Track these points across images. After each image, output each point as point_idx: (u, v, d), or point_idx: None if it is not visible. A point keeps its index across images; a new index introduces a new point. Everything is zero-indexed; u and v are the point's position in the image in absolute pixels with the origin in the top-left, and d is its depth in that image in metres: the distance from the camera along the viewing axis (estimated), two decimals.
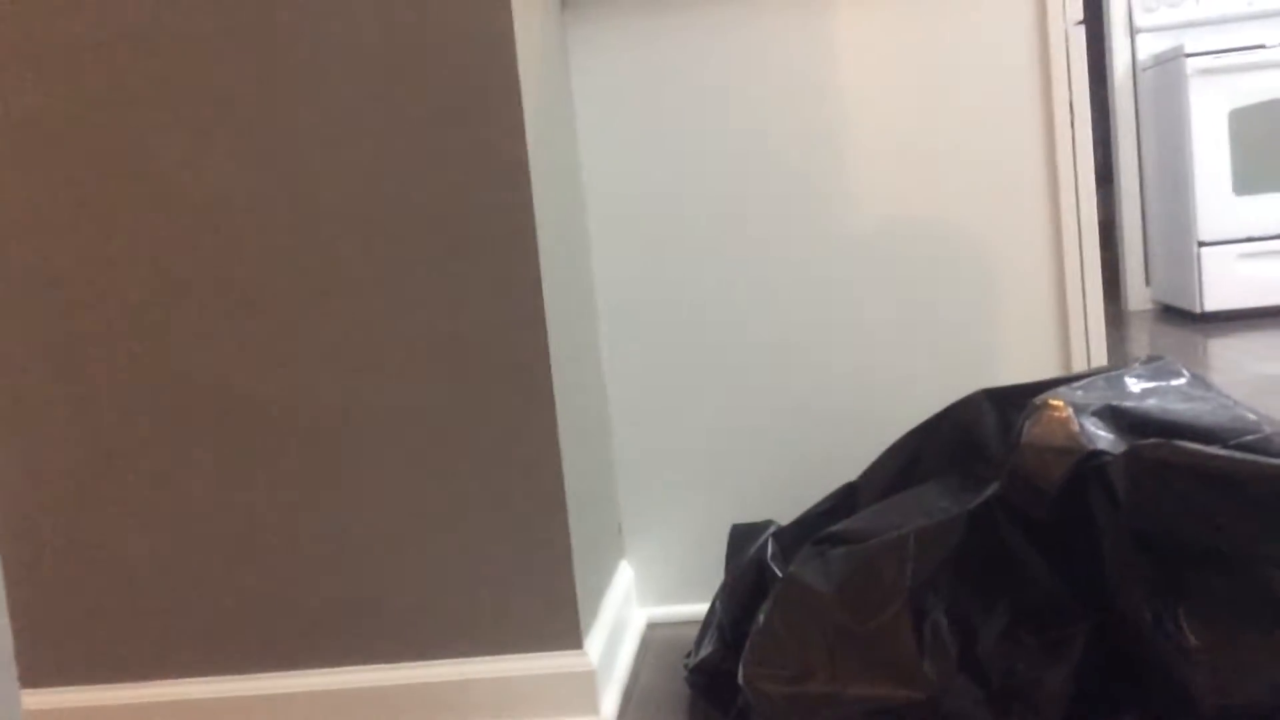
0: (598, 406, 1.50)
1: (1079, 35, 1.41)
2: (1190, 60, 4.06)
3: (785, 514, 1.43)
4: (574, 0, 1.47)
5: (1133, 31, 4.63)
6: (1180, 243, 4.36)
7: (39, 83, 1.24)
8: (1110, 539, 0.93)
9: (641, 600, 1.59)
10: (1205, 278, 4.17)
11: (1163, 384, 1.06)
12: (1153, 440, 0.91)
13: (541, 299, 1.22)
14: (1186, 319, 4.33)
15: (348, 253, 1.23)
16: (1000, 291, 1.47)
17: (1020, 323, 1.47)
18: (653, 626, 1.56)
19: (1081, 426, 0.95)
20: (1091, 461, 0.92)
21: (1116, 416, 0.97)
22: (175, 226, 1.25)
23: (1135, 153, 4.73)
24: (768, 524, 1.41)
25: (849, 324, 1.49)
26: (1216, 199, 4.14)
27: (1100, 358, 1.46)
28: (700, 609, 1.47)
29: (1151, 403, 1.00)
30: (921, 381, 1.49)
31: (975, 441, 1.18)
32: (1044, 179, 1.44)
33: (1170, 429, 0.96)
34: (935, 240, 1.47)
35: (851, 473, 1.36)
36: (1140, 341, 4.05)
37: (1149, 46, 4.59)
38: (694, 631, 1.41)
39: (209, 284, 1.25)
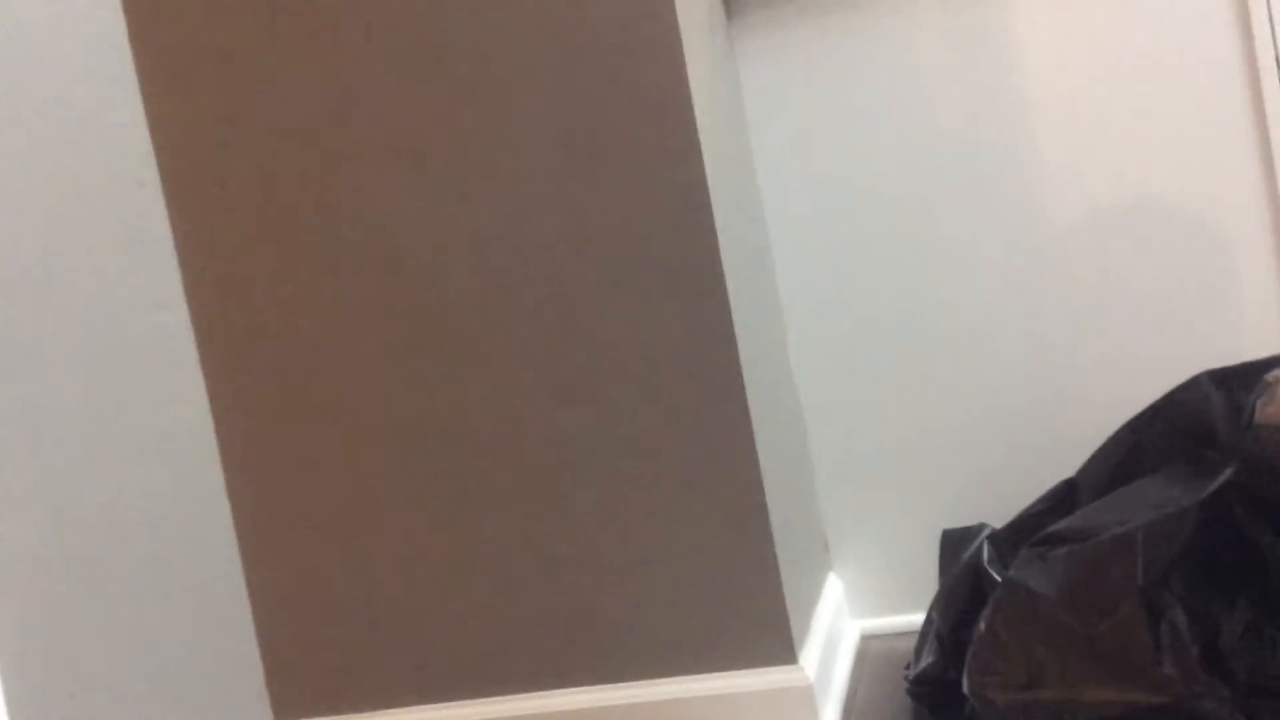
0: (792, 418, 1.49)
1: None
2: None
3: (997, 516, 1.38)
4: (739, 10, 1.46)
5: None
6: None
7: (250, 156, 1.32)
8: None
9: (853, 613, 1.56)
10: None
11: None
12: None
13: (729, 313, 1.21)
14: None
15: (546, 290, 1.26)
16: (1214, 264, 1.38)
17: (1238, 297, 1.37)
18: (867, 639, 1.53)
19: None
20: None
21: None
22: (392, 276, 1.30)
23: None
24: (981, 527, 1.36)
25: (1052, 310, 1.43)
26: None
27: None
28: (914, 619, 1.43)
29: None
30: (1135, 366, 1.41)
31: (1201, 427, 1.11)
32: (1254, 140, 1.35)
33: None
34: (1138, 213, 1.39)
35: (1066, 469, 1.30)
36: None
37: None
38: (910, 642, 1.37)
39: (422, 326, 1.30)
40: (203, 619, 0.56)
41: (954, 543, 1.36)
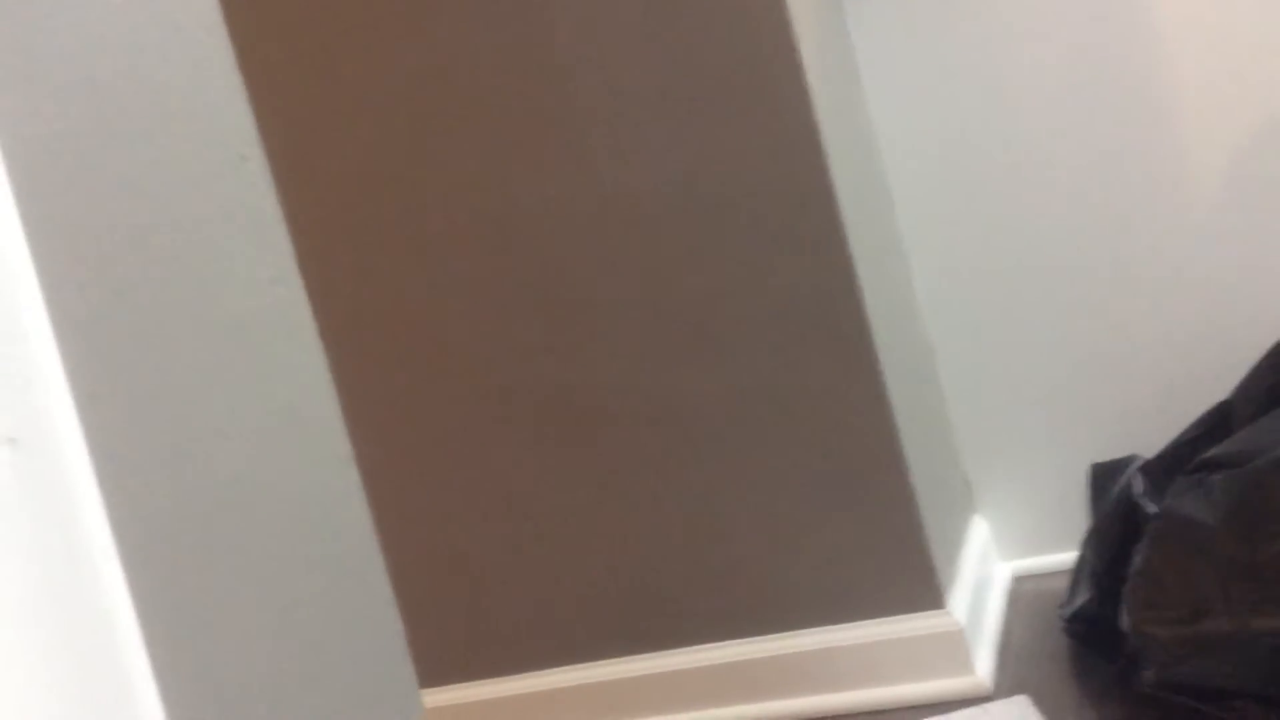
0: (924, 362, 1.45)
1: None
2: None
3: (1148, 446, 1.32)
4: None
5: None
6: None
7: (358, 131, 1.34)
8: None
9: (1003, 555, 1.52)
10: None
11: None
12: None
13: (851, 261, 1.19)
14: None
15: (664, 252, 1.25)
16: None
17: None
18: (1019, 580, 1.49)
19: None
20: None
21: None
22: (506, 246, 1.31)
23: None
24: (1131, 459, 1.31)
25: (1190, 239, 1.36)
26: None
27: None
28: (1066, 558, 1.39)
29: None
30: None
31: None
32: None
33: None
34: (1276, 142, 1.32)
35: (1219, 392, 1.24)
36: None
37: None
38: (1062, 582, 1.33)
39: (541, 294, 1.30)
40: (342, 590, 0.57)
41: (1103, 477, 1.31)
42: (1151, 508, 1.13)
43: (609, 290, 1.28)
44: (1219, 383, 1.26)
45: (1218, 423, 1.18)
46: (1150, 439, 1.35)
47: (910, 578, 1.24)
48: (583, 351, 1.30)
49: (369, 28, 1.31)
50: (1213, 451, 1.07)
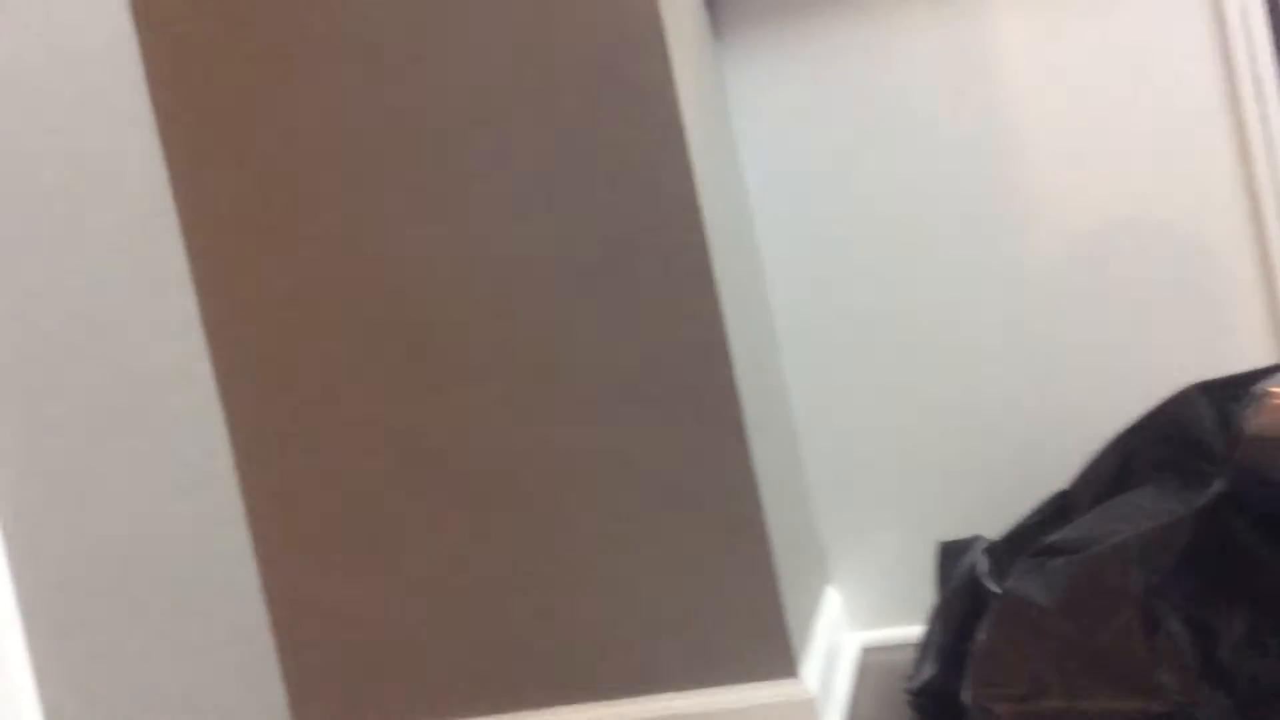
0: (787, 431, 1.50)
1: (1258, 11, 1.35)
2: None
3: (992, 527, 1.40)
4: (729, 30, 1.48)
5: None
6: None
7: (259, 184, 1.33)
8: None
9: (852, 625, 1.57)
10: None
11: None
12: None
13: (723, 328, 1.23)
14: None
15: (539, 313, 1.27)
16: (1200, 280, 1.40)
17: (1225, 313, 1.40)
18: (867, 651, 1.54)
19: None
20: None
21: None
22: (394, 299, 1.31)
23: None
24: (977, 539, 1.38)
25: (1043, 324, 1.45)
26: None
27: None
28: (913, 631, 1.45)
29: None
30: (1126, 378, 1.43)
31: (1193, 438, 1.13)
32: (1236, 164, 1.37)
33: None
34: (1127, 229, 1.42)
35: (1058, 480, 1.32)
36: None
37: None
38: (909, 655, 1.39)
39: (421, 346, 1.31)
40: (223, 638, 0.57)
41: (951, 555, 1.37)
42: (994, 587, 1.19)
43: (483, 343, 1.29)
44: (1062, 471, 1.34)
45: (1058, 509, 1.25)
46: (996, 521, 1.42)
47: (767, 646, 1.27)
48: (457, 404, 1.31)
49: (268, 84, 1.31)
50: (1052, 537, 1.14)
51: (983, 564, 1.24)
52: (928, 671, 1.27)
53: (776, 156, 1.50)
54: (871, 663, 1.51)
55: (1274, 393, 0.94)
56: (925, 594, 1.49)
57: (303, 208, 1.32)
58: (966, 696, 1.12)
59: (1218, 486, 1.01)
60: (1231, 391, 1.12)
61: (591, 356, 1.26)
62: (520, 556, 1.31)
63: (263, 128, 1.31)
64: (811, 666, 1.31)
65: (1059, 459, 1.41)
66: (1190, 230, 1.40)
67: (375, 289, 1.31)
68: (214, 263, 1.34)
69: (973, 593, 1.24)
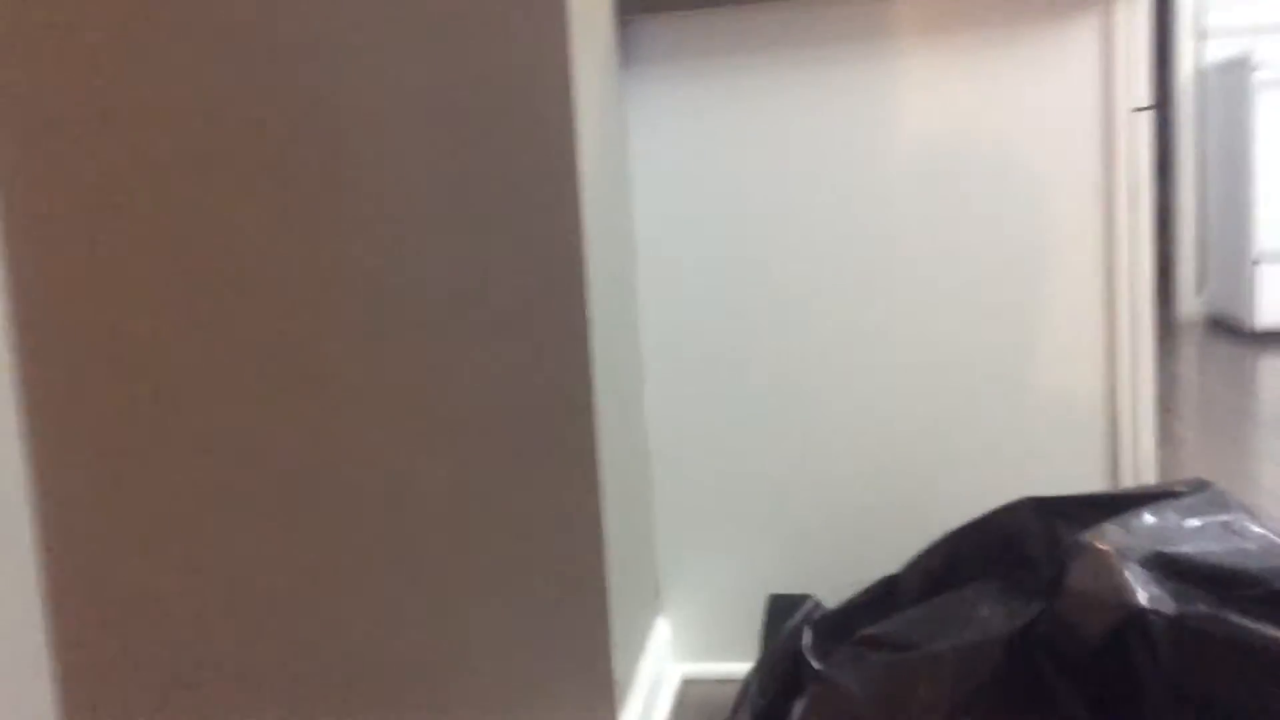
0: (640, 463, 1.51)
1: (1143, 121, 1.39)
2: (1257, 73, 3.96)
3: (825, 582, 1.44)
4: (636, 62, 1.46)
5: (1200, 33, 4.52)
6: (1235, 256, 4.29)
7: (94, 154, 1.25)
8: (1151, 696, 0.93)
9: (678, 655, 1.60)
10: (1259, 295, 4.11)
11: (1211, 519, 1.05)
12: (1201, 609, 0.90)
13: (590, 376, 1.22)
14: (1237, 335, 4.27)
15: (406, 333, 1.24)
16: (1041, 388, 1.45)
17: (1068, 430, 1.45)
18: (688, 683, 1.58)
19: (1128, 578, 0.95)
20: (1136, 620, 0.92)
21: (1164, 565, 0.97)
22: (241, 304, 1.26)
23: (1195, 152, 4.65)
24: (805, 598, 1.42)
25: (897, 395, 1.49)
26: (1276, 215, 4.06)
27: (1148, 409, 1.44)
28: (737, 668, 1.49)
29: (1199, 546, 1.00)
30: (961, 469, 1.49)
31: (1020, 550, 1.18)
32: (1100, 260, 1.42)
33: (1218, 579, 0.95)
34: (980, 322, 1.46)
35: (892, 544, 1.37)
36: (1189, 360, 4.00)
37: (1218, 50, 4.49)
38: (731, 690, 1.43)
39: (273, 364, 1.27)
40: None
41: (779, 611, 1.41)
42: (816, 664, 1.23)
43: (337, 362, 1.26)
44: (896, 538, 1.39)
45: (886, 594, 1.29)
46: (830, 575, 1.46)
47: (589, 680, 1.29)
48: (297, 416, 1.27)
49: (122, 50, 1.23)
50: (874, 629, 1.18)
51: (807, 637, 1.27)
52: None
53: (665, 194, 1.49)
54: (694, 695, 1.55)
55: (1100, 550, 0.98)
56: (754, 634, 1.53)
57: (152, 191, 1.25)
58: None
59: (1034, 610, 1.06)
60: (1063, 511, 1.17)
61: (449, 383, 1.24)
62: (348, 572, 1.29)
63: (112, 119, 1.24)
64: (633, 702, 1.34)
65: (895, 527, 1.46)
66: (1039, 314, 1.44)
67: (224, 290, 1.26)
68: (33, 232, 1.27)
69: (793, 662, 1.28)
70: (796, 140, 1.45)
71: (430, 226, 1.22)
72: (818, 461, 1.52)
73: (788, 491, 1.53)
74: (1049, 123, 1.39)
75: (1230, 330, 4.49)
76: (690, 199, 1.48)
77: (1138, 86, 1.37)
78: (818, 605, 1.38)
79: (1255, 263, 4.07)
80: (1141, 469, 1.44)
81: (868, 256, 1.46)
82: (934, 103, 1.41)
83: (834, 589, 1.40)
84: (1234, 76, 4.21)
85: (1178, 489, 1.13)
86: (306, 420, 1.27)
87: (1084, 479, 1.46)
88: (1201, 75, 4.54)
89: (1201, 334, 4.48)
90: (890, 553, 1.37)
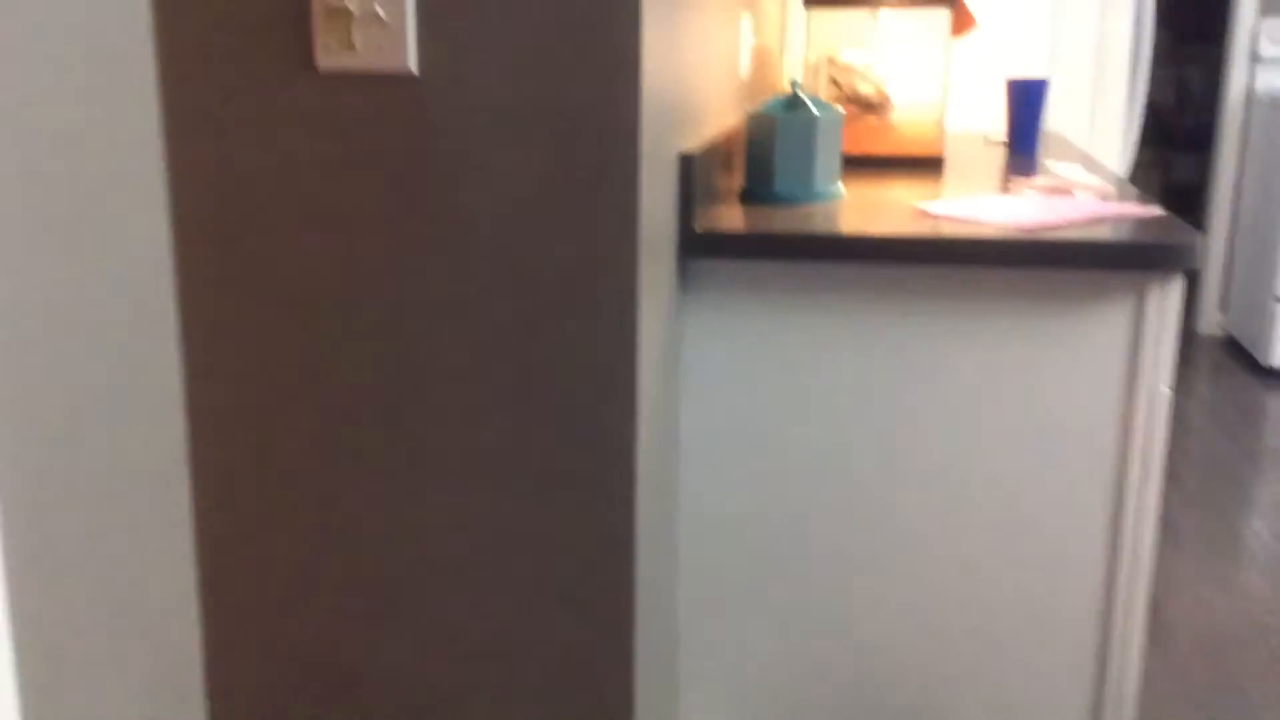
0: (670, 633, 1.66)
1: (1162, 403, 1.49)
2: None
3: None
4: (694, 286, 1.54)
5: (1255, 58, 4.50)
6: (1259, 289, 4.35)
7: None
8: None
9: None
10: (1278, 333, 4.18)
11: None
12: None
13: (633, 544, 1.34)
14: (1253, 367, 4.36)
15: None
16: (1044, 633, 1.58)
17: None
18: None
19: None
20: None
21: None
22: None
23: (1236, 173, 4.66)
24: None
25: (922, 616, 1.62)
26: None
27: None
28: None
29: None
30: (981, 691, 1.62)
31: None
32: (1104, 541, 1.54)
33: None
34: (995, 582, 1.57)
35: None
36: (1201, 396, 4.11)
37: (1271, 77, 4.47)
38: None
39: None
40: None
41: None
42: None
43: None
44: None
45: None
46: None
47: None
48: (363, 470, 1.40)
49: None
50: None
51: None
52: None
53: (710, 402, 1.60)
54: None
55: None
56: None
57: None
58: None
59: None
60: None
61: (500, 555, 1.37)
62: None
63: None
64: None
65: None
66: (1043, 578, 1.57)
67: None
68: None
69: None
70: (836, 377, 1.55)
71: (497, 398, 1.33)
72: (839, 667, 1.65)
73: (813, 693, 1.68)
74: (1074, 395, 1.50)
75: (1247, 359, 4.56)
76: (735, 410, 1.59)
77: (1163, 370, 1.47)
78: None
79: (1277, 299, 4.14)
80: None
81: (894, 516, 1.57)
82: (966, 361, 1.51)
83: None
84: (1276, 112, 4.21)
85: None
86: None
87: None
88: (1251, 100, 4.53)
89: (1219, 354, 4.57)
90: None
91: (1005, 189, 1.88)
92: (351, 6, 1.16)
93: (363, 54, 1.17)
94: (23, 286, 0.62)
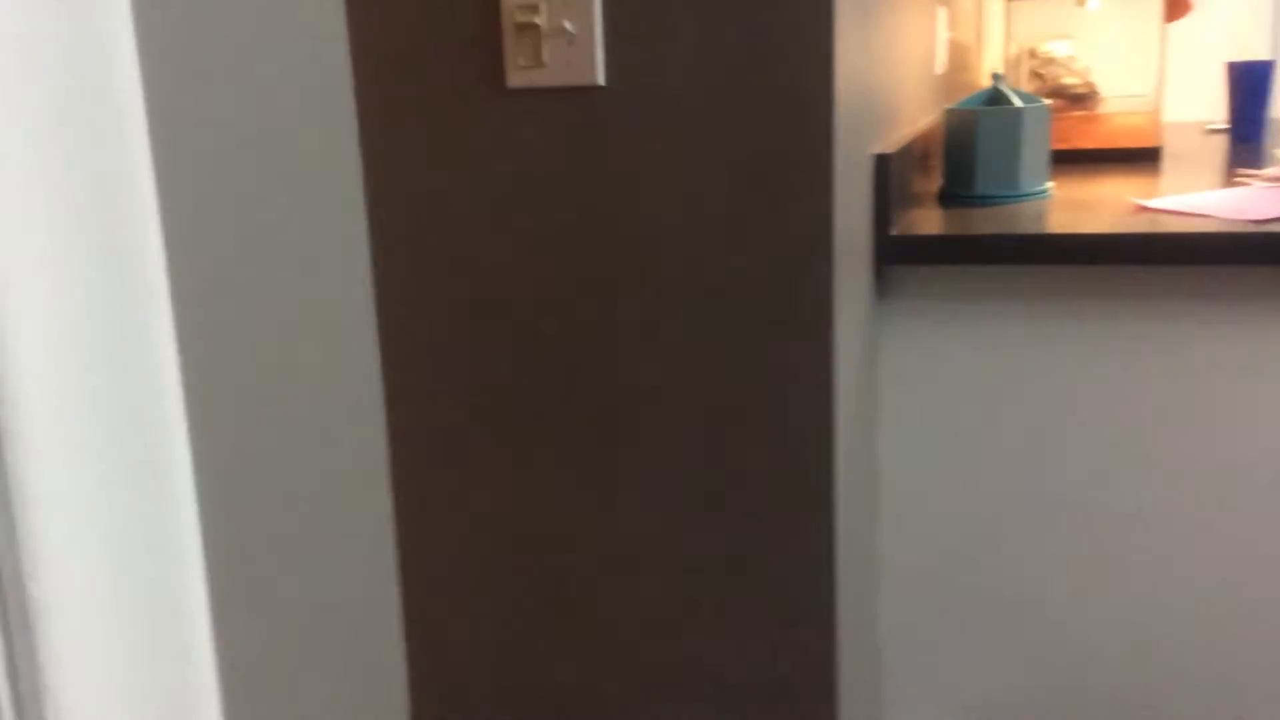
0: (872, 652, 1.61)
1: None
2: None
3: None
4: (892, 294, 1.49)
5: None
6: None
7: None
8: None
9: None
10: None
11: None
12: None
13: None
14: None
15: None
16: None
17: None
18: None
19: None
20: None
21: None
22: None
23: None
24: None
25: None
26: None
27: None
28: None
29: None
30: None
31: None
32: None
33: None
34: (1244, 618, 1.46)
35: None
36: None
37: None
38: None
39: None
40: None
41: None
42: None
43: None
44: None
45: None
46: None
47: None
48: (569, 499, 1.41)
49: None
50: None
51: None
52: None
53: (912, 420, 1.54)
54: None
55: None
56: None
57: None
58: None
59: None
60: None
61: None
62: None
63: None
64: None
65: None
66: None
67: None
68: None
69: None
70: (1050, 386, 1.47)
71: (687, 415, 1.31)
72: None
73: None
74: None
75: None
76: (936, 420, 1.53)
77: None
78: None
79: None
80: None
81: (1116, 545, 1.48)
82: (1193, 365, 1.41)
83: None
84: None
85: None
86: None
87: None
88: None
89: None
90: None
91: (1230, 181, 1.74)
92: (540, 22, 1.16)
93: (551, 69, 1.16)
94: (233, 310, 0.63)
